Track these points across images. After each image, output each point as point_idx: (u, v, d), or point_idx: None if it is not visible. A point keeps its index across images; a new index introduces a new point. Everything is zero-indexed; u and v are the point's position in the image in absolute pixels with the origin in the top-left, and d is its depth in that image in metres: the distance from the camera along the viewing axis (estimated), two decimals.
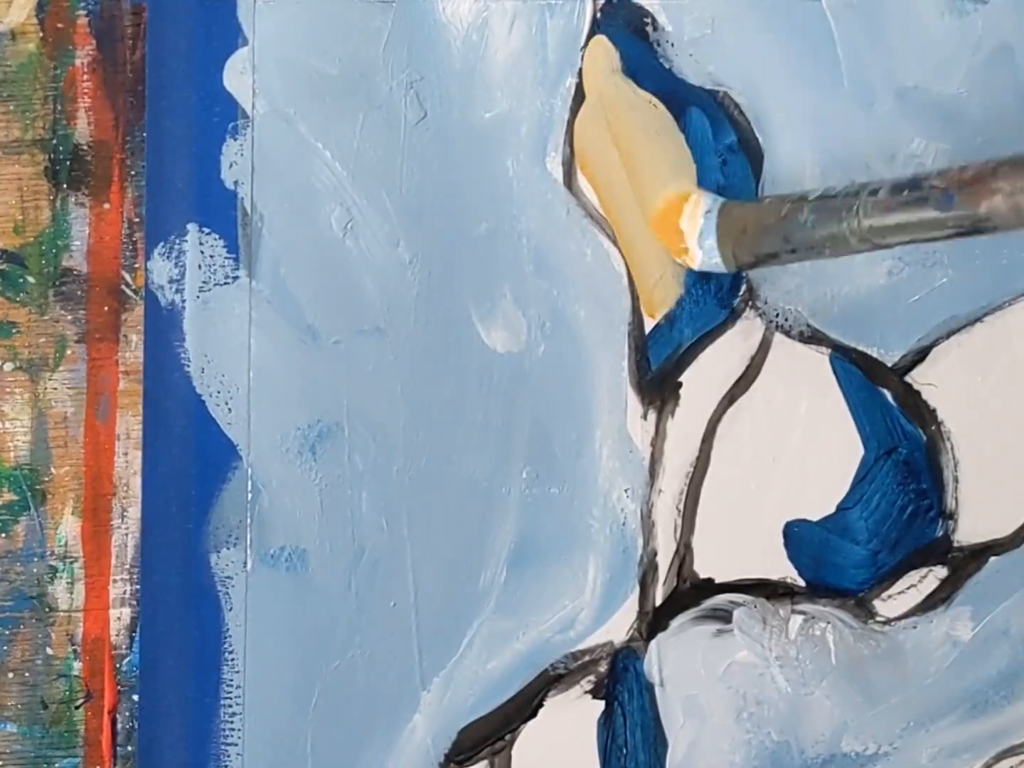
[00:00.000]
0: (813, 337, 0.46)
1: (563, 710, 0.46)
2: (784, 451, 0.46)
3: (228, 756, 0.46)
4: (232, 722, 0.46)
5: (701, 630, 0.46)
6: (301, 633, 0.46)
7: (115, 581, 0.46)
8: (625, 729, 0.46)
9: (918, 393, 0.46)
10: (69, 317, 0.47)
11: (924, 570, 0.46)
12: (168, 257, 0.46)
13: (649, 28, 0.46)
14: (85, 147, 0.47)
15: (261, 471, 0.46)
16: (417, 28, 0.46)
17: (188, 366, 0.46)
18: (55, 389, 0.47)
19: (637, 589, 0.46)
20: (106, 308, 0.47)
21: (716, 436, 0.46)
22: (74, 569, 0.46)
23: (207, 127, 0.47)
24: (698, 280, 0.46)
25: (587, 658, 0.46)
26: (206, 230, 0.46)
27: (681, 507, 0.46)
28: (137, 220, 0.47)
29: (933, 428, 0.46)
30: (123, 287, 0.47)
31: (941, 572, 0.46)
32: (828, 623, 0.46)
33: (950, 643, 0.46)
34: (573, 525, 0.46)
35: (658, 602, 0.46)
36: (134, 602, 0.46)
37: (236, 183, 0.46)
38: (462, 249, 0.46)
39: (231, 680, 0.46)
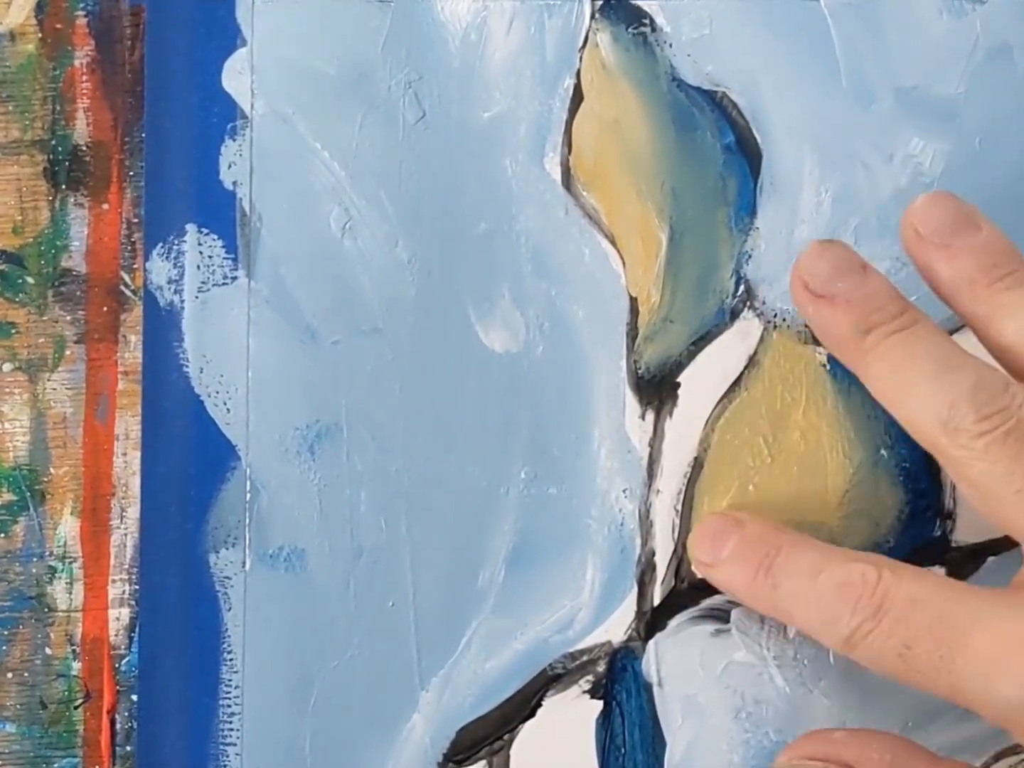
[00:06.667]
0: (811, 337, 0.46)
1: (561, 710, 0.46)
2: (782, 451, 0.46)
3: (227, 756, 0.46)
4: (231, 722, 0.46)
5: (699, 630, 0.46)
6: (300, 633, 0.46)
7: (114, 581, 0.46)
8: (623, 729, 0.46)
9: None
10: (68, 318, 0.47)
11: None
12: (167, 258, 0.47)
13: (647, 28, 0.46)
14: (84, 148, 0.47)
15: (260, 471, 0.46)
16: (415, 28, 0.47)
17: (187, 366, 0.46)
18: (54, 389, 0.47)
19: (635, 589, 0.46)
20: (105, 309, 0.47)
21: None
22: (73, 569, 0.46)
23: (206, 128, 0.47)
24: (696, 280, 0.46)
25: (585, 658, 0.46)
26: (205, 230, 0.46)
27: (679, 507, 0.46)
28: (136, 221, 0.47)
29: None
30: (122, 288, 0.47)
31: (939, 572, 0.46)
32: None
33: None
34: (571, 525, 0.46)
35: (656, 602, 0.46)
36: (133, 602, 0.46)
37: (235, 183, 0.47)
38: (461, 249, 0.46)
39: (230, 680, 0.46)
